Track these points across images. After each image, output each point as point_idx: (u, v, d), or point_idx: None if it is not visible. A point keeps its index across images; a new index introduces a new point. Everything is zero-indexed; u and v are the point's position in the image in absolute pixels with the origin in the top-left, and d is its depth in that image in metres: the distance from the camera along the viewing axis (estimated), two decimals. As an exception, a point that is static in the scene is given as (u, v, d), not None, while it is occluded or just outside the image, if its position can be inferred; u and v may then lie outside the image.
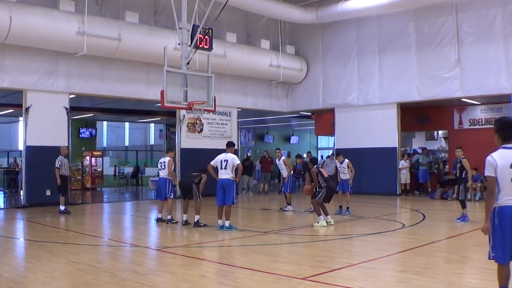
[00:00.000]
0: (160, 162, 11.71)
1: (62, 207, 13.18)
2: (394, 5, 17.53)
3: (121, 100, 18.40)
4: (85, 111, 23.11)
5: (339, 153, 13.93)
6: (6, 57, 14.38)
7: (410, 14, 18.20)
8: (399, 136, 19.03)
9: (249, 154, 22.04)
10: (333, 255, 7.94)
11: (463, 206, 11.25)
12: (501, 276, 4.49)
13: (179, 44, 12.34)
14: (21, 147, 17.42)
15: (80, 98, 17.38)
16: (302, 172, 19.90)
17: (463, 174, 11.16)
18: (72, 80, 15.64)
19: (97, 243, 9.14)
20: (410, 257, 7.50)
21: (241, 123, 25.82)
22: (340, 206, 13.05)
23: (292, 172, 14.39)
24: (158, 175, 12.25)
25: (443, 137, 21.43)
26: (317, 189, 10.98)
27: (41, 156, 14.60)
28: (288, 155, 28.40)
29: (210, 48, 15.49)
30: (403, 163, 18.65)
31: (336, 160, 13.79)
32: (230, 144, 10.41)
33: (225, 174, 10.05)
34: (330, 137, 28.44)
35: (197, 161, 14.17)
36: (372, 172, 18.57)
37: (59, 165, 13.06)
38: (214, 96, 11.98)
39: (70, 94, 15.76)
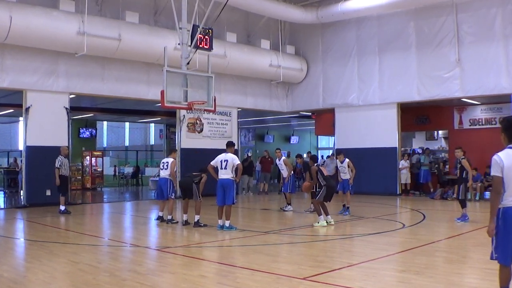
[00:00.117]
0: (163, 162, 11.66)
1: (62, 207, 13.19)
2: (394, 5, 17.53)
3: (121, 100, 18.40)
4: (85, 111, 23.13)
5: (340, 152, 13.94)
6: (6, 57, 14.38)
7: (410, 14, 18.19)
8: (399, 136, 19.02)
9: (249, 154, 22.02)
10: (333, 255, 7.94)
11: (463, 206, 11.24)
12: (503, 277, 4.48)
13: (179, 44, 12.34)
14: (21, 147, 17.39)
15: (80, 98, 17.38)
16: (303, 172, 19.89)
17: (463, 174, 11.19)
18: (72, 80, 15.64)
19: (97, 243, 9.14)
20: (410, 257, 7.50)
21: (241, 123, 25.83)
22: (344, 205, 13.07)
23: (292, 172, 14.40)
24: (158, 175, 12.24)
25: (443, 137, 21.43)
26: (317, 189, 10.98)
27: (41, 156, 14.60)
28: (288, 155, 28.42)
29: (210, 48, 15.46)
30: (403, 163, 18.65)
31: (337, 160, 13.80)
32: (230, 144, 10.40)
33: (225, 174, 10.05)
34: (330, 137, 28.44)
35: (197, 161, 14.15)
36: (372, 172, 18.55)
37: (59, 165, 13.06)
38: (214, 96, 11.98)
39: (70, 94, 15.76)
